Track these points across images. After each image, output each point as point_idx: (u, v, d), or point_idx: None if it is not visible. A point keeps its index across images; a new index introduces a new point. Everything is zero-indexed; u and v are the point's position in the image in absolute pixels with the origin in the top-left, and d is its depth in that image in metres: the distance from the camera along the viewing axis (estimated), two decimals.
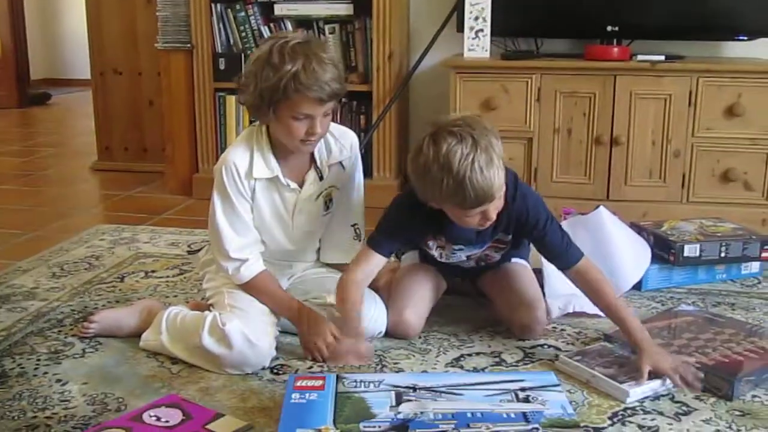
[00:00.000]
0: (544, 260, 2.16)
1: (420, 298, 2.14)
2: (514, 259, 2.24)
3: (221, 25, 3.62)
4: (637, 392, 1.78)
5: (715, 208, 3.09)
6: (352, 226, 2.22)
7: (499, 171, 1.81)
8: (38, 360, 1.97)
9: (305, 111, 1.89)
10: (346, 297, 1.98)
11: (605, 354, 1.95)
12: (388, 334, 2.10)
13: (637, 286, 2.49)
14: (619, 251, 2.44)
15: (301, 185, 2.05)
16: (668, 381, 1.81)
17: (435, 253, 2.11)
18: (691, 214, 2.95)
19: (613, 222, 2.50)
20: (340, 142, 2.09)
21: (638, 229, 2.63)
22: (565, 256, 2.01)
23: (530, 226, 2.00)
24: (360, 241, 2.23)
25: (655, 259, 2.52)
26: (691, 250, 2.50)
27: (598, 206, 2.56)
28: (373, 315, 2.07)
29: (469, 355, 2.02)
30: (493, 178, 1.79)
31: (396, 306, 2.11)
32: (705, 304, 2.38)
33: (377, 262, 2.02)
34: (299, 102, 1.87)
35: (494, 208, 1.87)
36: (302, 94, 1.86)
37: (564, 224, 2.46)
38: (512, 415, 1.55)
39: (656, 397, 1.79)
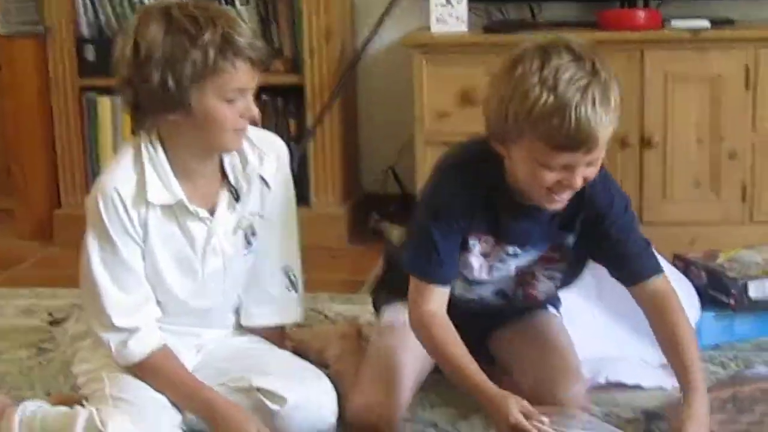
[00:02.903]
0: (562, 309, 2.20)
1: (400, 376, 2.13)
2: (547, 310, 2.29)
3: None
4: None
5: None
6: (285, 270, 2.23)
7: (610, 120, 1.87)
8: None
9: (240, 84, 1.94)
10: (454, 355, 2.00)
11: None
12: (350, 424, 2.09)
13: None
14: None
15: (212, 213, 2.07)
16: None
17: (474, 265, 2.10)
18: (756, 238, 2.99)
19: None
20: (260, 149, 2.12)
21: (684, 263, 2.67)
22: (639, 262, 2.07)
23: (609, 218, 2.05)
24: (296, 291, 2.24)
25: (709, 304, 2.55)
26: (758, 290, 2.53)
27: None
28: (317, 399, 2.07)
29: None
30: (603, 122, 1.85)
31: (365, 384, 2.10)
32: None
33: (443, 294, 2.05)
34: (232, 74, 1.92)
35: (582, 173, 1.91)
36: (237, 60, 1.91)
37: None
38: None
39: None
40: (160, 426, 1.93)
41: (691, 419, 1.90)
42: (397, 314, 2.22)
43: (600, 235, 2.08)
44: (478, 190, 2.03)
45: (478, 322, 2.18)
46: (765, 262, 2.65)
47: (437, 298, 2.04)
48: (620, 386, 2.26)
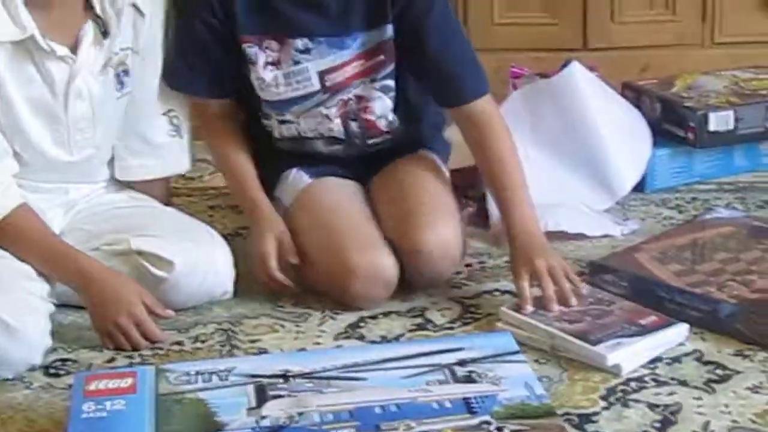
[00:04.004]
0: None
1: (370, 225, 2.15)
2: (422, 152, 2.30)
3: None
4: (623, 356, 1.83)
5: (757, 51, 3.17)
6: (167, 114, 2.23)
7: None
8: None
9: None
10: (236, 174, 2.19)
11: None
12: (336, 299, 2.11)
13: (639, 187, 2.56)
14: (604, 132, 2.50)
15: (74, 50, 2.03)
16: (673, 334, 1.90)
17: (267, 77, 2.13)
18: (718, 62, 3.02)
19: (592, 86, 2.56)
20: None
21: (635, 93, 2.70)
22: (460, 80, 2.12)
23: (421, 12, 2.08)
24: (181, 137, 2.24)
25: (664, 140, 2.60)
26: (720, 122, 2.56)
27: (568, 61, 2.61)
28: (210, 262, 2.09)
29: (373, 317, 2.06)
30: None
31: (336, 243, 2.09)
32: (747, 205, 2.49)
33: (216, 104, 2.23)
34: None
35: None
36: None
37: (515, 96, 2.50)
38: (447, 404, 1.57)
39: (674, 359, 1.86)
40: (26, 299, 1.92)
41: (517, 238, 2.04)
42: (294, 185, 2.24)
43: (416, 41, 2.11)
44: None
45: (355, 172, 2.25)
46: (727, 90, 2.68)
47: (204, 108, 2.23)
48: (561, 236, 2.30)
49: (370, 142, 2.23)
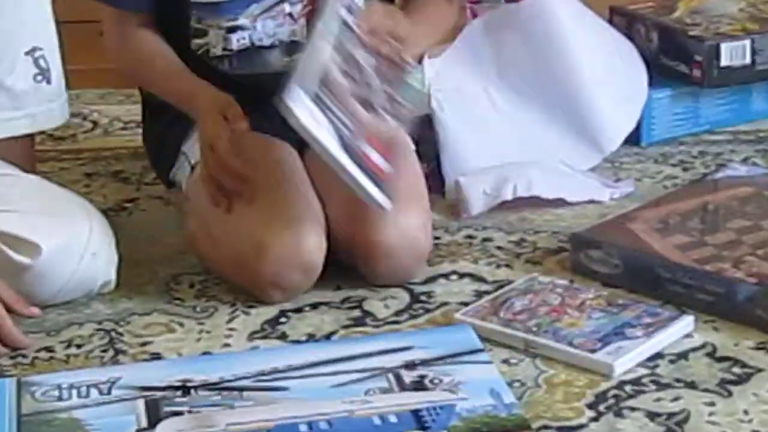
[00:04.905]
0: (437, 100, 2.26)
1: (297, 192, 2.13)
2: None
3: None
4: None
5: None
6: (31, 53, 2.21)
7: None
8: None
9: None
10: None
11: (541, 290, 2.01)
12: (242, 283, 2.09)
13: (633, 139, 2.57)
14: (588, 70, 2.50)
15: None
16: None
17: None
18: None
19: (572, 11, 2.56)
20: None
21: (626, 20, 2.70)
22: None
23: None
24: (50, 83, 2.23)
25: (664, 79, 2.60)
26: (735, 53, 2.56)
27: None
28: (86, 244, 2.06)
29: (298, 311, 2.05)
30: None
31: (244, 212, 2.08)
32: None
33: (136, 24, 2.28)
34: None
35: None
36: None
37: (475, 25, 2.53)
38: (392, 419, 1.58)
39: (680, 356, 1.86)
40: None
41: None
42: None
43: None
44: None
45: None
46: (743, 15, 2.69)
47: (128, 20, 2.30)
48: (535, 203, 2.31)
49: None
